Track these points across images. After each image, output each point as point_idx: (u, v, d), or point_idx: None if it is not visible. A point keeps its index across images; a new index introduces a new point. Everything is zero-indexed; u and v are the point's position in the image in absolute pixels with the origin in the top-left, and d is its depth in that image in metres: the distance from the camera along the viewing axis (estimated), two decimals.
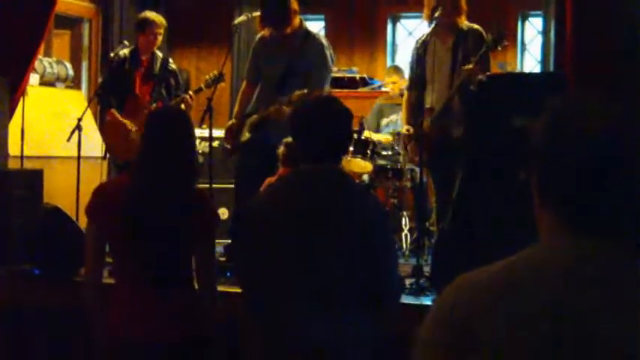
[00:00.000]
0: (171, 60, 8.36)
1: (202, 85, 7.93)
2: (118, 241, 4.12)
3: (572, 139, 1.77)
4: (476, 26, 7.19)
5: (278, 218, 3.66)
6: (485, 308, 1.75)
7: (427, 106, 7.12)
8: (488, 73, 6.65)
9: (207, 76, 7.93)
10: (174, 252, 4.10)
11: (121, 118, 7.94)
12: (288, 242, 3.62)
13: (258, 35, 7.43)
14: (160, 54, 8.27)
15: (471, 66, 6.83)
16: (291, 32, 7.11)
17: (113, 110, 8.00)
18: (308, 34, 7.18)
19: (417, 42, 7.49)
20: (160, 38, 8.21)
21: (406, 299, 5.92)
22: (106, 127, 8.16)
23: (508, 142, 5.74)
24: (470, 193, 6.06)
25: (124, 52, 8.18)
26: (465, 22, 7.23)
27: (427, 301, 5.97)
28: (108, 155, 8.24)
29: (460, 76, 6.96)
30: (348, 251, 3.57)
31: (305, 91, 6.72)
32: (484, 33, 7.13)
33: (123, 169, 8.01)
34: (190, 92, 8.10)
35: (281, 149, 6.33)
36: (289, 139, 5.85)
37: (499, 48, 6.98)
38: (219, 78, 7.68)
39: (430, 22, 7.16)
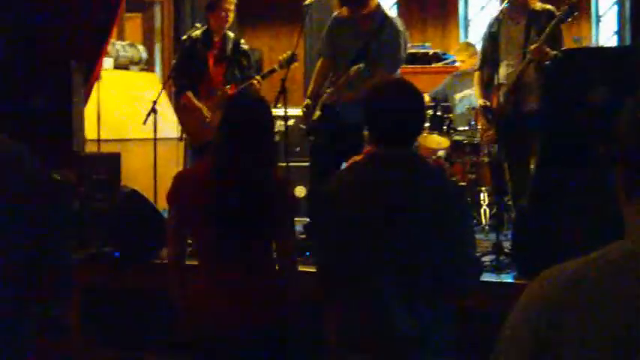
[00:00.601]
0: (243, 40, 8.32)
1: (276, 66, 7.89)
2: (200, 226, 4.12)
3: None
4: (548, 6, 7.08)
5: (354, 203, 3.62)
6: (572, 315, 1.68)
7: (499, 82, 7.06)
8: (563, 49, 6.53)
9: (280, 57, 7.88)
10: (255, 237, 4.09)
11: (196, 102, 7.95)
12: (364, 227, 3.57)
13: (334, 14, 7.38)
14: (231, 34, 8.24)
15: (536, 45, 6.77)
16: (368, 13, 7.04)
17: (189, 93, 8.00)
18: (385, 17, 7.09)
19: (490, 20, 7.42)
20: (232, 15, 8.15)
21: (487, 277, 5.86)
22: (181, 111, 8.17)
23: (587, 118, 5.66)
24: (549, 172, 5.97)
25: (197, 33, 8.17)
26: (537, 3, 7.13)
27: (508, 279, 5.91)
28: (184, 137, 8.26)
29: (529, 54, 6.91)
30: (426, 235, 3.52)
31: (361, 65, 6.71)
32: (556, 13, 7.03)
33: (199, 151, 8.04)
34: (257, 77, 8.03)
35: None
36: None
37: (569, 19, 6.87)
38: (292, 58, 7.64)
39: (502, 1, 7.13)
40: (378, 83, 4.02)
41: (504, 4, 7.01)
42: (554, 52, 6.72)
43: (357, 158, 5.55)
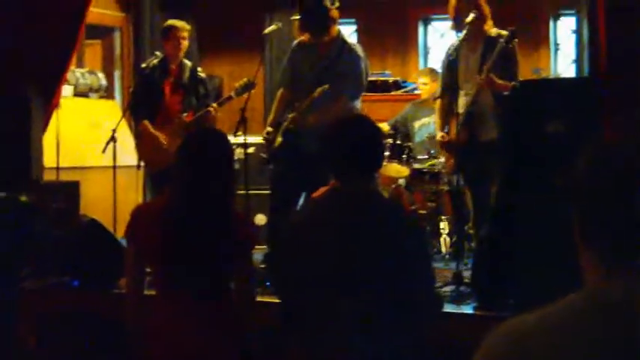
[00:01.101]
0: (199, 68, 8.34)
1: (232, 94, 7.89)
2: (157, 261, 4.13)
3: (619, 179, 1.70)
4: (504, 32, 7.10)
5: (314, 241, 3.67)
6: None
7: (458, 110, 7.09)
8: (521, 80, 6.58)
9: (237, 84, 7.90)
10: (213, 271, 4.10)
11: (152, 130, 7.94)
12: (323, 263, 3.61)
13: (295, 42, 7.38)
14: (188, 63, 8.26)
15: (484, 74, 6.83)
16: (328, 41, 7.06)
17: (146, 122, 8.00)
18: (344, 43, 7.12)
19: (448, 48, 7.44)
20: (186, 43, 8.20)
21: (447, 307, 5.87)
22: (139, 139, 8.16)
23: (545, 149, 5.71)
24: (509, 201, 6.00)
25: (154, 62, 8.19)
26: (492, 29, 7.15)
27: (468, 310, 5.92)
28: (141, 165, 8.24)
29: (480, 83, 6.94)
30: (384, 269, 3.55)
31: (326, 86, 6.71)
32: (510, 38, 7.07)
33: (157, 179, 8.02)
34: (214, 105, 8.02)
35: None
36: None
37: (510, 46, 6.88)
38: (249, 85, 7.66)
39: (457, 31, 7.16)
40: (338, 120, 4.05)
41: (463, 32, 7.04)
42: (506, 82, 6.74)
43: (322, 190, 5.55)
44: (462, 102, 7.11)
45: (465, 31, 7.04)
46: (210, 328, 4.07)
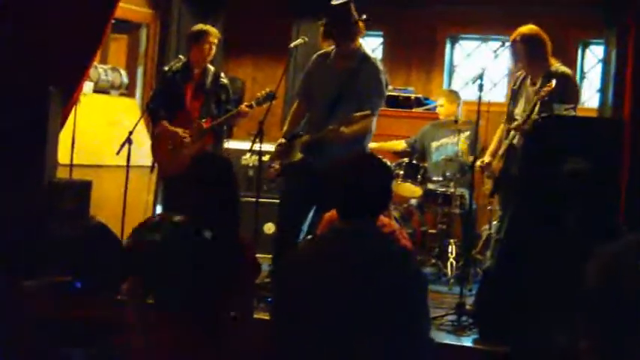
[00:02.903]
0: (222, 74, 8.33)
1: (253, 103, 7.88)
2: (160, 285, 4.12)
3: (628, 291, 1.70)
4: (563, 69, 7.04)
5: (315, 279, 3.64)
6: None
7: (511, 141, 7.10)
8: (543, 115, 6.52)
9: (259, 94, 7.90)
10: (215, 295, 4.10)
11: (171, 128, 7.95)
12: (322, 303, 3.59)
13: (315, 56, 7.33)
14: (212, 68, 8.25)
15: (518, 122, 6.86)
16: (349, 53, 7.00)
17: (164, 122, 8.01)
18: (365, 56, 7.05)
19: (516, 77, 7.43)
20: (214, 49, 8.20)
21: (446, 339, 5.87)
22: (155, 140, 8.17)
23: (560, 187, 5.67)
24: (518, 236, 5.96)
25: (177, 65, 8.19)
26: (556, 64, 7.09)
27: (468, 342, 5.90)
28: (156, 167, 8.25)
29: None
30: (380, 311, 3.53)
31: (367, 112, 6.65)
32: (570, 76, 7.02)
33: (168, 183, 8.04)
34: (246, 103, 8.03)
35: None
36: None
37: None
38: (270, 96, 7.66)
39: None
40: (347, 159, 4.00)
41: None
42: (535, 118, 6.69)
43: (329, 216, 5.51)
44: (513, 133, 7.10)
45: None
46: (208, 353, 4.07)
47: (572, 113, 6.74)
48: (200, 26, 8.32)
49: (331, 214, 5.74)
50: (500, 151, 7.21)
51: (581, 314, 1.81)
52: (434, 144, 9.28)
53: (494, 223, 8.06)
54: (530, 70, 7.16)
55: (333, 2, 6.98)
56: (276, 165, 7.32)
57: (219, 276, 4.05)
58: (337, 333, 3.53)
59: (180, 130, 7.93)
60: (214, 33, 8.19)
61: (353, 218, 3.71)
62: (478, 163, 7.41)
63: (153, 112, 8.20)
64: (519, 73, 7.37)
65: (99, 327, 6.15)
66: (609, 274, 1.77)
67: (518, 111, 7.16)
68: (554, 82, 6.61)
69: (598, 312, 1.77)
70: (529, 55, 7.06)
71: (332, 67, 7.09)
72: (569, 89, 6.91)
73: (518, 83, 7.30)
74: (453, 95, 9.43)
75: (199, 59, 8.14)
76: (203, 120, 7.97)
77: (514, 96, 7.32)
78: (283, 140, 7.18)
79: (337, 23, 6.99)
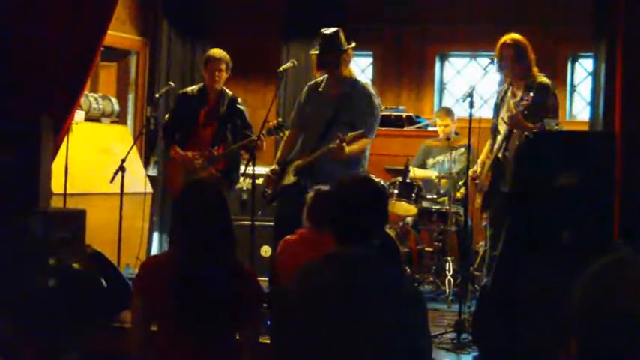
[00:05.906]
0: (240, 99, 8.26)
1: (264, 133, 7.59)
2: (164, 313, 4.10)
3: (613, 315, 1.69)
4: (542, 78, 7.08)
5: (311, 305, 3.65)
6: None
7: (495, 155, 7.13)
8: (534, 131, 6.53)
9: (270, 123, 7.66)
10: (220, 323, 4.09)
11: (181, 153, 7.95)
12: (321, 329, 3.59)
13: (306, 86, 7.42)
14: (229, 92, 8.20)
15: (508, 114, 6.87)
16: (340, 79, 7.07)
17: (176, 147, 8.01)
18: (356, 82, 7.14)
19: (497, 90, 7.48)
20: (223, 75, 8.11)
21: (446, 357, 5.86)
22: (167, 164, 8.15)
23: (553, 202, 5.66)
24: (513, 254, 5.95)
25: (193, 88, 8.20)
26: (536, 74, 7.13)
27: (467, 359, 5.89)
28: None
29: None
30: (382, 337, 3.53)
31: (360, 132, 6.69)
32: (550, 86, 7.04)
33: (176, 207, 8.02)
34: (262, 133, 7.63)
35: (309, 196, 5.99)
36: (322, 188, 5.77)
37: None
38: (283, 126, 7.57)
39: (502, 73, 7.24)
40: (343, 182, 3.99)
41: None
42: (525, 134, 6.69)
43: (290, 238, 5.52)
44: (497, 146, 7.13)
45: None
46: None
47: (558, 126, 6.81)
48: (211, 51, 8.33)
49: (291, 236, 5.75)
50: (486, 166, 7.24)
51: (564, 329, 1.81)
52: (430, 161, 9.29)
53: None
54: (513, 74, 7.19)
55: (324, 31, 7.06)
56: (269, 190, 7.35)
57: (229, 306, 4.04)
58: (337, 357, 3.52)
59: (190, 154, 7.92)
60: (221, 57, 8.12)
61: (350, 243, 3.69)
62: (470, 172, 7.50)
63: (166, 134, 8.21)
64: (502, 87, 7.41)
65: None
66: (587, 294, 1.77)
67: (500, 121, 7.19)
68: (531, 94, 6.67)
69: (578, 330, 1.76)
70: (515, 58, 7.09)
71: (324, 93, 7.20)
72: (549, 100, 6.96)
73: (500, 97, 7.35)
74: (453, 114, 9.34)
75: (210, 83, 8.13)
76: (215, 148, 7.93)
77: (496, 109, 7.35)
78: (275, 166, 7.24)
79: (329, 51, 7.07)
